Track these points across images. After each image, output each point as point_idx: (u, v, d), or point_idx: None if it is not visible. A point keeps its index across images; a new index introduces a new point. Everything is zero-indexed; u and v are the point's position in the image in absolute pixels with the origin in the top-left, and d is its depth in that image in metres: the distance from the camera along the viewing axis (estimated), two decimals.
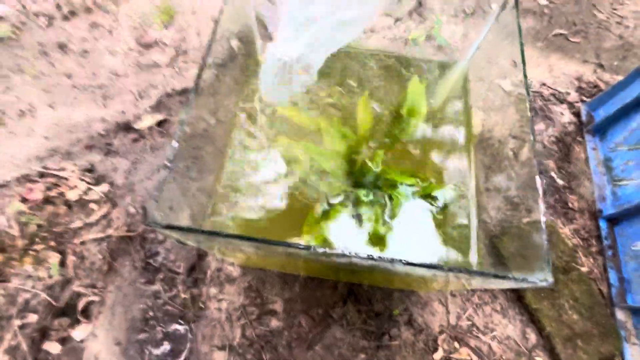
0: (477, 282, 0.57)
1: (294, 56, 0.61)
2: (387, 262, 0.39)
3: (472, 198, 0.65)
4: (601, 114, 1.07)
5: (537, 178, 0.49)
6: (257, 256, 0.75)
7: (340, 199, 0.62)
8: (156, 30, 1.27)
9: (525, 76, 0.54)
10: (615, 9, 1.41)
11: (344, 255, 0.39)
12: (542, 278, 0.39)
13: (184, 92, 1.15)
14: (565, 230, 0.97)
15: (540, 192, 0.49)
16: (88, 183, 0.98)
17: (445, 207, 0.64)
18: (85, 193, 0.97)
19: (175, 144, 0.51)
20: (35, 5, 1.29)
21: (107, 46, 1.23)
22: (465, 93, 0.76)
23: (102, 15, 1.29)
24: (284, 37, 0.57)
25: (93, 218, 0.95)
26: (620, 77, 1.23)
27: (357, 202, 0.61)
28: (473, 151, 0.71)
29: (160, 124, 1.09)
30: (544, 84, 1.22)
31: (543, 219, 0.45)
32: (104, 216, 0.96)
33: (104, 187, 0.99)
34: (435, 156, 0.69)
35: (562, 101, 1.18)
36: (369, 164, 0.64)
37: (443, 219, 0.63)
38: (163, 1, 1.32)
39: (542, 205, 0.48)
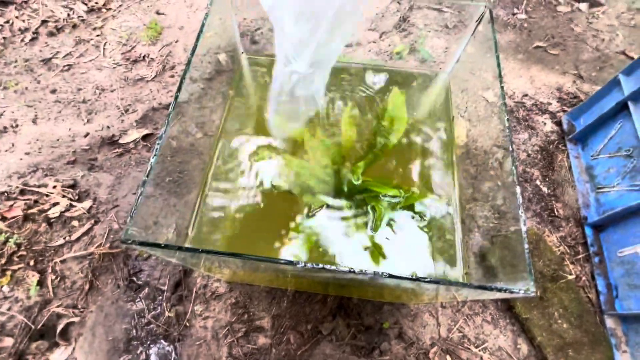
0: (464, 293, 0.57)
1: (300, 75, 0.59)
2: (368, 275, 0.38)
3: (457, 208, 0.65)
4: (582, 123, 1.10)
5: (517, 188, 0.50)
6: (243, 271, 0.74)
7: (322, 211, 0.62)
8: (143, 45, 1.27)
9: (502, 88, 0.55)
10: (590, 23, 1.46)
11: (324, 270, 0.38)
12: (525, 288, 0.38)
13: (170, 106, 1.15)
14: (552, 238, 0.97)
15: (519, 201, 0.50)
16: (70, 199, 0.96)
17: (429, 218, 0.63)
18: (67, 210, 0.95)
19: (152, 159, 0.50)
20: (20, 21, 1.29)
21: (93, 61, 1.22)
22: (448, 104, 0.77)
23: (89, 31, 1.30)
24: (286, 57, 0.56)
25: (75, 235, 0.92)
26: (598, 88, 1.27)
27: (340, 214, 0.61)
28: (456, 161, 0.72)
29: (145, 138, 1.08)
30: (526, 95, 1.25)
31: (524, 228, 0.45)
32: (86, 233, 0.93)
33: (87, 203, 0.96)
34: (417, 167, 0.69)
35: (544, 111, 1.21)
36: (350, 176, 0.64)
37: (428, 230, 0.62)
38: (150, 17, 1.33)
39: (522, 216, 0.48)
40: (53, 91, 1.15)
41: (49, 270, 0.89)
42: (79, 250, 0.91)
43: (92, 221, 0.95)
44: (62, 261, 0.90)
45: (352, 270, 0.37)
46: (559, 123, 1.17)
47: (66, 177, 1.00)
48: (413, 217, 0.63)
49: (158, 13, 1.34)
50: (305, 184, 0.64)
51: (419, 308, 0.89)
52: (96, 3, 1.35)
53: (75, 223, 0.94)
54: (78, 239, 0.92)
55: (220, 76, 1.00)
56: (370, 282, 0.51)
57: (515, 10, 1.52)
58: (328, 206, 0.62)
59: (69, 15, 1.32)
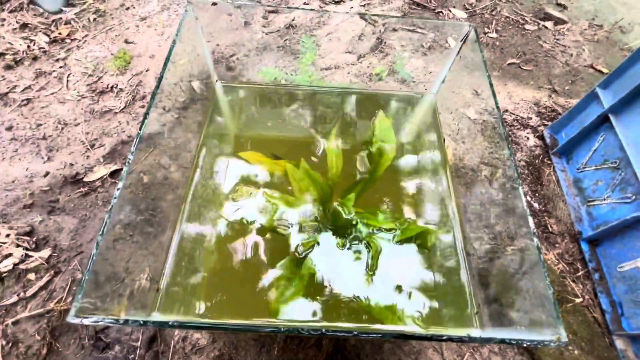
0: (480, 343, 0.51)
1: None
2: (373, 335, 0.32)
3: (460, 238, 0.60)
4: (564, 136, 1.10)
5: (529, 219, 0.46)
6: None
7: (312, 251, 0.56)
8: (111, 75, 1.20)
9: (497, 105, 0.52)
10: (557, 39, 1.52)
11: (320, 334, 0.32)
12: (554, 336, 0.33)
13: (141, 138, 1.07)
14: (550, 256, 0.94)
15: (536, 243, 0.45)
16: (26, 249, 0.85)
17: (430, 252, 0.58)
18: (22, 261, 0.84)
19: (114, 200, 0.43)
20: None
21: (54, 94, 1.14)
22: (437, 126, 0.74)
23: (51, 62, 1.22)
24: None
25: (30, 291, 0.81)
26: (573, 101, 1.30)
27: (331, 254, 0.55)
28: (453, 186, 0.68)
29: (114, 174, 0.99)
30: (506, 110, 1.26)
31: (543, 270, 0.40)
32: (44, 287, 0.82)
33: (45, 252, 0.86)
34: (411, 194, 0.65)
35: (525, 126, 1.21)
36: (339, 209, 0.59)
37: (430, 265, 0.57)
38: (119, 46, 1.27)
39: (541, 258, 0.43)
40: (9, 128, 1.06)
41: None
42: (35, 308, 0.79)
43: (52, 272, 0.84)
44: (15, 322, 0.78)
45: (357, 332, 0.31)
46: (541, 137, 1.17)
47: (21, 223, 0.90)
48: (412, 251, 0.57)
49: (127, 42, 1.29)
50: (288, 219, 0.58)
51: (421, 344, 0.82)
52: (59, 34, 1.28)
53: (31, 276, 0.83)
54: (34, 295, 0.81)
55: (195, 104, 0.94)
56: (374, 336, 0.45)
57: (486, 30, 1.56)
58: (319, 244, 0.56)
59: (29, 47, 1.24)
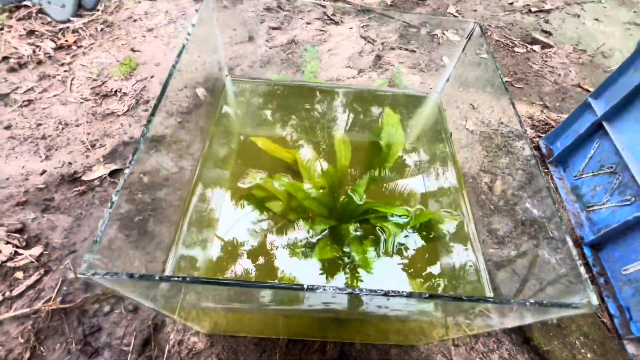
0: (492, 321, 0.49)
1: None
2: (401, 296, 0.30)
3: (472, 223, 0.60)
4: (559, 146, 1.13)
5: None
6: (228, 317, 0.62)
7: (324, 235, 0.54)
8: (115, 80, 1.21)
9: (518, 120, 0.53)
10: (545, 61, 1.61)
11: (353, 296, 0.30)
12: (584, 300, 0.32)
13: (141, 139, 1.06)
14: (553, 261, 0.94)
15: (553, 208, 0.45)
16: (16, 246, 0.81)
17: (444, 236, 0.58)
18: (10, 258, 0.80)
19: (119, 186, 0.42)
20: None
21: (57, 96, 1.14)
22: (443, 122, 0.76)
23: (55, 67, 1.22)
24: None
25: (17, 290, 0.76)
26: (565, 115, 1.35)
27: (343, 239, 0.53)
28: (461, 174, 0.68)
29: (113, 174, 0.97)
30: (501, 123, 1.30)
31: (570, 243, 0.40)
32: (32, 286, 0.77)
33: (36, 250, 0.82)
34: (420, 184, 0.65)
35: (520, 137, 1.25)
36: (352, 195, 0.58)
37: (444, 249, 0.56)
38: (125, 54, 1.29)
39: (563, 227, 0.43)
40: (7, 127, 1.04)
41: None
42: (20, 308, 0.74)
43: (41, 271, 0.80)
44: None
45: (389, 292, 0.30)
46: (537, 148, 1.21)
47: (13, 220, 0.86)
48: (426, 236, 0.57)
49: (133, 50, 1.31)
50: (301, 207, 0.57)
51: (430, 349, 0.79)
52: (66, 41, 1.30)
53: (19, 274, 0.78)
54: (21, 294, 0.76)
55: (199, 109, 0.94)
56: (384, 315, 0.43)
57: (478, 51, 1.65)
58: (332, 229, 0.54)
59: (34, 52, 1.25)
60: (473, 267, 0.55)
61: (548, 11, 1.91)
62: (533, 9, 1.91)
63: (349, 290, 0.29)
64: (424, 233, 0.56)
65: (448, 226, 0.60)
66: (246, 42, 1.44)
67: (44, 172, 0.95)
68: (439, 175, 0.68)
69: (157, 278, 0.32)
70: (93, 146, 1.02)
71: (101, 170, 0.97)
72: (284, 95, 0.79)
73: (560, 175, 1.10)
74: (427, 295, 0.30)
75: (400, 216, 0.56)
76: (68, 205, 0.91)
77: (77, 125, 1.07)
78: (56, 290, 0.77)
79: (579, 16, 1.90)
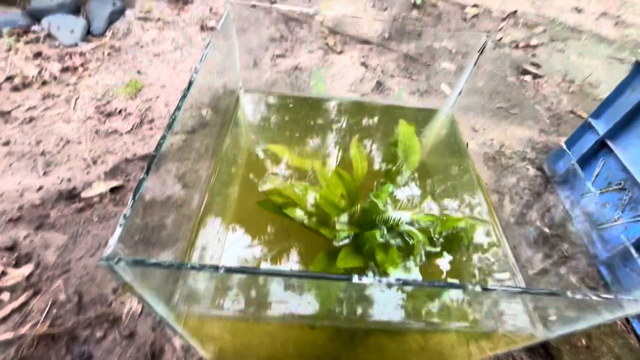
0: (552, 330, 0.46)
1: None
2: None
3: (499, 228, 0.58)
4: (562, 166, 1.15)
5: None
6: (236, 342, 0.56)
7: (346, 243, 0.51)
8: (120, 101, 1.21)
9: None
10: (537, 90, 1.68)
11: (396, 284, 0.27)
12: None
13: (146, 157, 1.04)
14: (572, 281, 0.91)
15: None
16: (4, 264, 0.75)
17: (473, 242, 0.55)
18: None
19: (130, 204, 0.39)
20: None
21: (60, 114, 1.12)
22: (457, 134, 0.76)
23: (60, 87, 1.22)
24: None
25: (2, 313, 0.69)
26: (563, 138, 1.39)
27: (367, 246, 0.51)
28: (481, 180, 0.67)
29: (114, 190, 0.93)
30: (503, 145, 1.32)
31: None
32: (19, 309, 0.71)
33: (26, 269, 0.76)
34: (441, 192, 0.63)
35: (523, 158, 1.27)
36: (375, 201, 0.56)
37: (476, 253, 0.53)
38: (131, 76, 1.30)
39: None
40: (6, 143, 1.01)
41: None
42: (3, 333, 0.67)
43: (30, 292, 0.73)
44: None
45: (453, 284, 0.27)
46: (540, 168, 1.22)
47: (3, 237, 0.80)
48: (455, 242, 0.54)
49: (139, 72, 1.33)
50: (321, 213, 0.55)
51: None
52: (73, 63, 1.31)
53: (4, 296, 0.72)
54: (6, 318, 0.69)
55: (204, 129, 0.94)
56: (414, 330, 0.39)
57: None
58: (354, 237, 0.52)
59: (39, 73, 1.25)
60: (505, 266, 0.52)
61: (534, 46, 2.04)
62: (520, 45, 2.03)
63: (404, 280, 0.26)
64: (452, 239, 0.54)
65: (477, 232, 0.58)
66: (251, 68, 1.47)
67: (40, 188, 0.91)
68: (458, 184, 0.67)
69: (188, 266, 0.29)
70: (94, 162, 0.99)
71: (101, 187, 0.93)
72: (297, 108, 0.79)
73: (567, 194, 1.10)
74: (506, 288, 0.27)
75: (426, 223, 0.54)
76: (64, 222, 0.86)
77: (79, 143, 1.04)
78: (45, 313, 0.70)
79: (563, 51, 2.02)
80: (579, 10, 2.45)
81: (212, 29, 1.64)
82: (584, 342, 0.73)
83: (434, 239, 0.52)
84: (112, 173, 0.98)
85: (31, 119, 1.09)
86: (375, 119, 0.78)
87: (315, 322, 0.43)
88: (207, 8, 1.77)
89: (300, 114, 0.77)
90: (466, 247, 0.54)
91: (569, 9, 2.46)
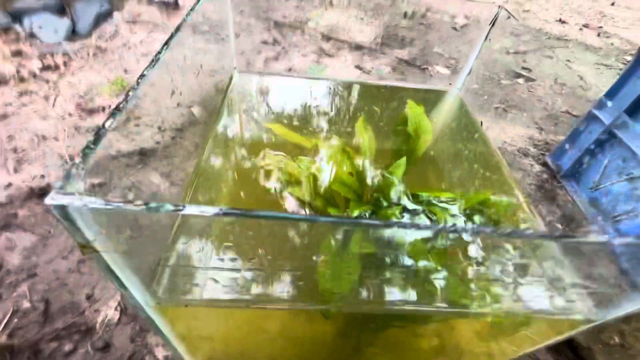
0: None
1: None
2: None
3: (528, 206, 0.52)
4: (567, 162, 1.11)
5: None
6: (228, 350, 0.48)
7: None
8: (104, 99, 1.14)
9: None
10: (531, 92, 1.68)
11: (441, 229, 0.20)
12: None
13: (132, 154, 0.96)
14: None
15: None
16: None
17: (500, 219, 0.49)
18: None
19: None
20: None
21: (37, 112, 1.04)
22: (467, 113, 0.72)
23: (38, 84, 1.15)
24: None
25: None
26: (562, 137, 1.37)
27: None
28: (502, 159, 0.62)
29: (94, 187, 0.85)
30: (505, 142, 1.29)
31: None
32: None
33: None
34: (458, 172, 0.58)
35: (526, 155, 1.23)
36: (390, 177, 0.50)
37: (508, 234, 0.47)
38: (116, 74, 1.24)
39: None
40: None
41: None
42: None
43: None
44: None
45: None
46: (545, 164, 1.18)
47: None
48: (484, 219, 0.48)
49: (126, 71, 1.26)
50: (328, 192, 0.48)
51: None
52: (54, 62, 1.25)
53: None
54: None
55: (194, 127, 0.87)
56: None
57: (468, 81, 1.71)
58: (372, 214, 0.45)
59: (18, 71, 1.18)
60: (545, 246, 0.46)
61: (524, 52, 2.07)
62: (510, 51, 2.06)
63: (453, 225, 0.20)
64: (480, 216, 0.48)
65: (506, 208, 0.52)
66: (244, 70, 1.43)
67: (9, 185, 0.82)
68: (476, 161, 0.62)
69: (181, 207, 0.22)
70: (72, 159, 0.91)
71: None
72: (296, 89, 0.74)
73: (574, 189, 1.06)
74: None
75: (447, 201, 0.48)
76: (33, 222, 0.76)
77: (56, 140, 0.96)
78: (4, 322, 0.60)
79: (552, 57, 2.06)
80: (562, 22, 2.53)
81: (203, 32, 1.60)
82: (617, 339, 0.66)
83: (458, 216, 0.46)
84: (92, 169, 0.89)
85: (5, 116, 1.00)
86: (382, 99, 0.73)
87: (332, 306, 0.36)
88: None
89: (299, 95, 0.72)
90: (497, 224, 0.48)
91: (552, 20, 2.54)
